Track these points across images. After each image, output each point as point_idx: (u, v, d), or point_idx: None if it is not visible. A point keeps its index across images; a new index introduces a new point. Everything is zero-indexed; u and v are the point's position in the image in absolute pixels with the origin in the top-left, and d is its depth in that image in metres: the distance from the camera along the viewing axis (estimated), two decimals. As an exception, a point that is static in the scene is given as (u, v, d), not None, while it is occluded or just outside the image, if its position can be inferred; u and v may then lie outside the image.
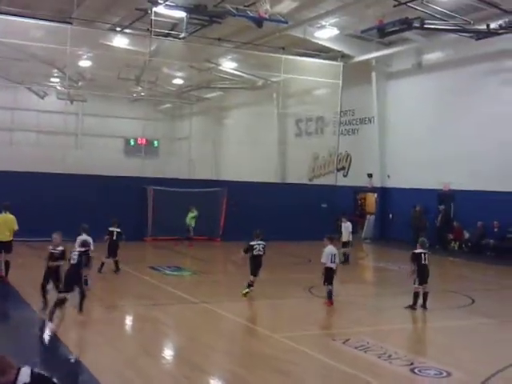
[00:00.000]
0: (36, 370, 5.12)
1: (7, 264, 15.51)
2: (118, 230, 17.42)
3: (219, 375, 9.30)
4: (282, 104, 32.87)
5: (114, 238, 17.33)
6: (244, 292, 14.53)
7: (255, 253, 14.74)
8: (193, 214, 25.44)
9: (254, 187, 28.74)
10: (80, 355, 9.62)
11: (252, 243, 14.79)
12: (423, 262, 13.94)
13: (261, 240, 14.89)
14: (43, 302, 12.22)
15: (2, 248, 15.63)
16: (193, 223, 25.49)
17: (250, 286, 14.64)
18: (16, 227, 15.94)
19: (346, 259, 21.09)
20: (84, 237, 14.89)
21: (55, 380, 5.44)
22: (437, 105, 28.50)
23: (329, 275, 13.96)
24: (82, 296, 11.60)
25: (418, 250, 14.12)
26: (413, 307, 13.88)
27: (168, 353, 10.61)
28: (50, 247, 12.37)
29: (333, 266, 14.03)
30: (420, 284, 13.92)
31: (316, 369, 9.56)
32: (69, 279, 11.33)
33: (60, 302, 11.00)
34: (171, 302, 14.31)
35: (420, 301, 13.98)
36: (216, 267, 22.30)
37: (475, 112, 26.56)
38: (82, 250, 11.91)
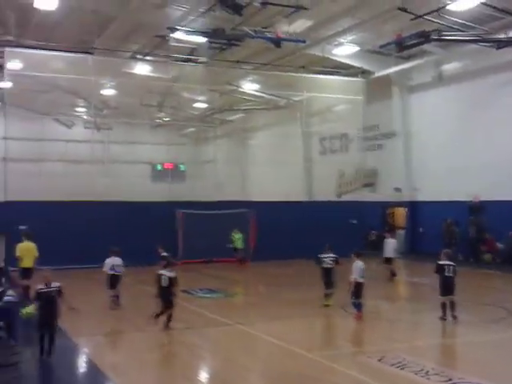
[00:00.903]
0: None
1: (27, 288, 15.86)
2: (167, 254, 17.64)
3: (257, 397, 9.30)
4: (305, 123, 32.96)
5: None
6: (324, 303, 15.73)
7: (324, 265, 15.75)
8: (238, 235, 26.28)
9: (282, 207, 28.78)
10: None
11: (321, 255, 15.66)
12: (446, 273, 13.98)
13: (332, 253, 15.84)
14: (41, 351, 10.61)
15: (27, 274, 16.24)
16: (239, 244, 26.42)
17: (326, 296, 15.82)
18: (37, 254, 16.65)
19: (392, 275, 21.23)
20: (112, 259, 15.71)
21: None
22: (461, 115, 28.34)
23: (358, 289, 14.14)
24: (170, 314, 13.25)
25: (442, 262, 14.18)
26: (442, 318, 13.97)
27: (204, 376, 10.62)
28: (41, 286, 10.80)
29: (362, 280, 14.20)
30: (442, 295, 14.00)
31: (354, 388, 9.51)
32: (165, 298, 13.07)
33: (168, 316, 13.17)
34: (205, 324, 14.33)
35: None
36: (247, 288, 22.31)
37: (502, 121, 26.32)
38: (172, 275, 13.22)
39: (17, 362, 8.90)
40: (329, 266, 15.71)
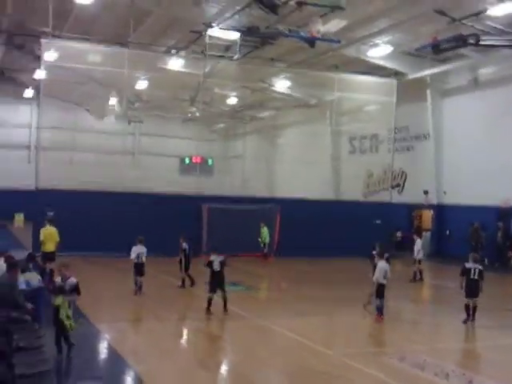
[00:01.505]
0: None
1: (52, 272, 16.31)
2: (187, 246, 17.93)
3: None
4: (335, 122, 32.83)
5: (188, 253, 17.82)
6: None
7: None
8: (264, 230, 26.50)
9: (308, 204, 28.76)
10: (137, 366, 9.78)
11: (374, 252, 15.87)
12: (472, 276, 13.97)
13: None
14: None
15: (48, 258, 16.80)
16: (267, 239, 26.59)
17: None
18: (58, 239, 17.33)
19: (414, 277, 21.20)
20: (140, 247, 16.35)
21: None
22: (494, 121, 27.92)
23: (380, 291, 13.99)
24: (225, 297, 14.23)
25: (468, 265, 14.15)
26: (466, 321, 13.96)
27: (223, 367, 10.70)
28: (58, 279, 10.56)
29: (384, 282, 14.06)
30: (467, 297, 13.99)
31: (371, 386, 9.49)
32: (214, 283, 14.10)
33: (209, 302, 14.04)
34: (225, 316, 14.41)
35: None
36: (270, 283, 22.36)
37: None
38: (221, 259, 14.22)
39: (41, 346, 9.07)
40: None
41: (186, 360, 10.69)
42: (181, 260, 17.67)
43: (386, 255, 15.73)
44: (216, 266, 14.16)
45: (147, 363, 10.14)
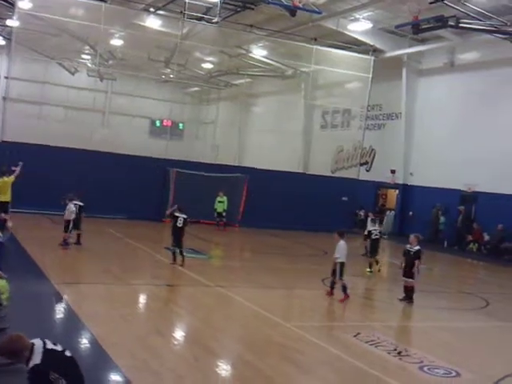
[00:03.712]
0: (48, 345, 5.28)
1: (5, 221, 16.33)
2: (82, 203, 17.51)
3: (228, 359, 9.37)
4: (309, 95, 32.73)
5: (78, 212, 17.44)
6: (367, 270, 17.79)
7: (373, 237, 17.83)
8: (220, 199, 25.89)
9: (276, 175, 28.80)
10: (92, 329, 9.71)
11: (370, 229, 18.23)
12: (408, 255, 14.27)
13: (378, 227, 18.60)
14: None
15: (3, 208, 16.90)
16: (219, 208, 25.95)
17: (369, 266, 17.78)
18: (13, 179, 17.71)
19: (366, 252, 21.16)
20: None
21: (68, 353, 5.56)
22: (467, 105, 28.20)
23: (343, 269, 13.82)
24: (181, 251, 15.50)
25: (407, 246, 14.39)
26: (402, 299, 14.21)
27: (179, 333, 10.70)
28: None
29: (344, 260, 13.93)
30: (403, 276, 14.33)
31: (326, 360, 9.59)
32: (176, 237, 15.33)
33: (174, 255, 15.55)
34: (185, 283, 14.44)
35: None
36: (232, 252, 22.40)
37: (504, 115, 26.27)
38: (185, 216, 15.38)
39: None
40: (377, 237, 17.82)
41: (142, 326, 10.65)
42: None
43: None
44: (180, 222, 15.22)
45: (104, 327, 9.97)
